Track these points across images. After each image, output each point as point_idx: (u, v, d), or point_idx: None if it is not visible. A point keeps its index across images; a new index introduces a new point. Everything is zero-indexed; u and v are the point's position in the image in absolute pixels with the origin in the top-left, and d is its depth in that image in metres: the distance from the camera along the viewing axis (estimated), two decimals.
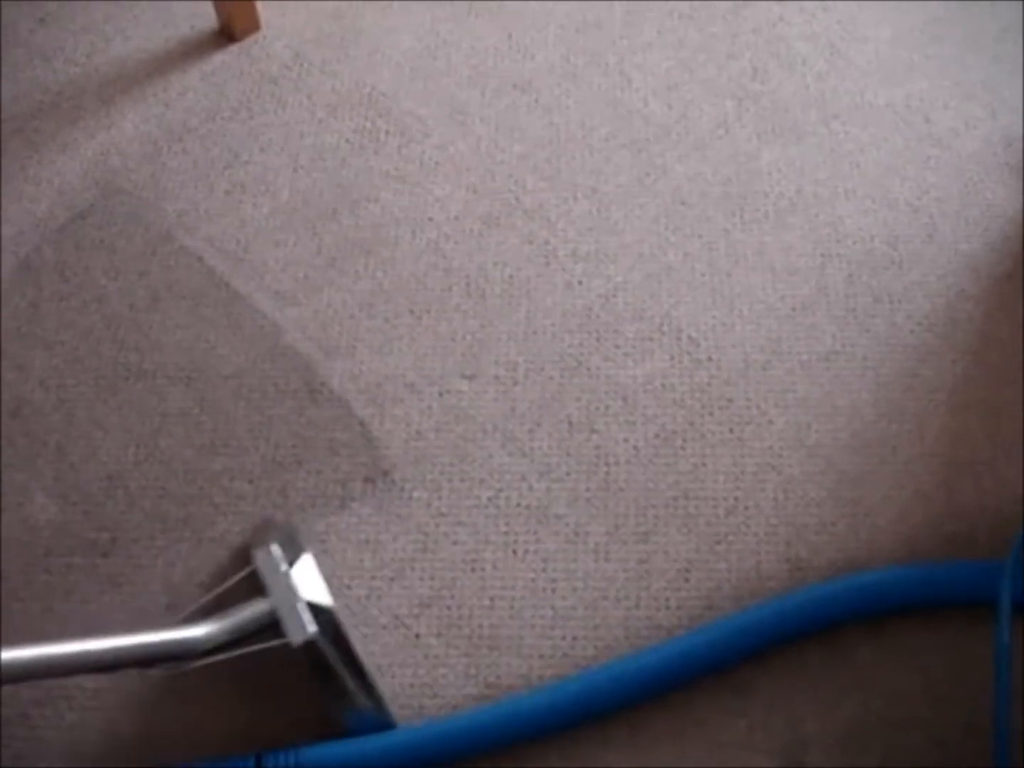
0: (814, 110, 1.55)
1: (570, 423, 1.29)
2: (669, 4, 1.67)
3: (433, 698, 1.14)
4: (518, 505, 1.24)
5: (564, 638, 1.17)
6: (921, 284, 1.39)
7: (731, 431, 1.29)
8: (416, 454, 1.28)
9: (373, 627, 1.19)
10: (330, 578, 1.20)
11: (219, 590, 1.17)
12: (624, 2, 1.68)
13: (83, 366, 1.38)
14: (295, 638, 1.08)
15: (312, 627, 1.08)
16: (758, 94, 1.57)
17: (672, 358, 1.33)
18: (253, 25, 1.67)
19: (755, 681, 1.14)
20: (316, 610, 1.10)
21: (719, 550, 1.21)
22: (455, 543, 1.23)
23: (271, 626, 1.09)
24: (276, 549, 1.15)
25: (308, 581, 1.14)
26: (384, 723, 1.12)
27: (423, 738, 1.10)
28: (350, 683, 1.10)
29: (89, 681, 1.17)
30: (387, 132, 1.55)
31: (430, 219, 1.46)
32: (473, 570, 1.21)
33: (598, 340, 1.35)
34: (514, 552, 1.22)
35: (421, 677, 1.15)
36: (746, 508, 1.24)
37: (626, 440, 1.28)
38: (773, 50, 1.62)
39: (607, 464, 1.27)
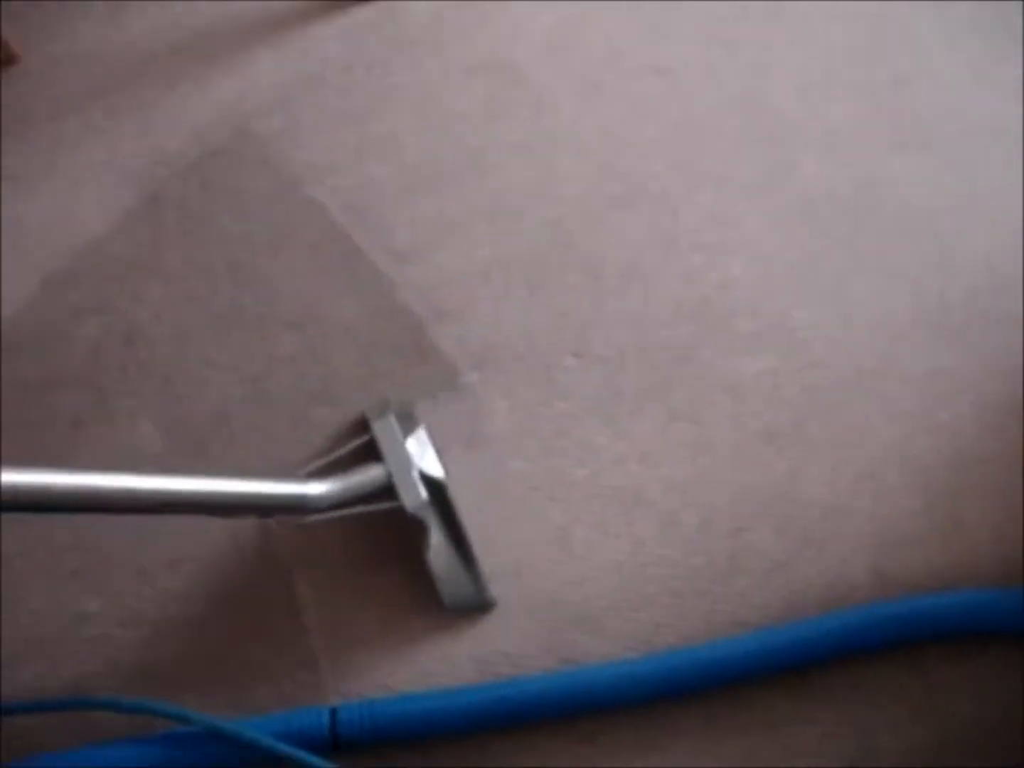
0: (951, 124, 1.52)
1: (673, 411, 1.29)
2: (816, 2, 1.65)
3: (511, 667, 1.15)
4: (613, 487, 1.24)
5: (646, 623, 1.17)
6: None
7: (834, 436, 1.28)
8: (517, 425, 1.29)
9: None
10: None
11: (336, 454, 1.23)
12: None
13: (199, 303, 1.41)
14: (408, 503, 1.15)
15: (425, 493, 1.16)
16: (896, 102, 1.54)
17: (783, 358, 1.32)
18: None
19: (833, 689, 1.14)
20: (428, 480, 1.17)
21: (808, 554, 1.21)
22: (546, 518, 1.23)
23: (385, 491, 1.17)
24: (393, 420, 1.23)
25: (422, 452, 1.21)
26: (482, 603, 1.17)
27: (495, 699, 1.11)
28: (452, 556, 1.17)
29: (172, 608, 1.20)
30: (520, 103, 1.55)
31: (554, 194, 1.46)
32: (562, 547, 1.21)
33: (710, 332, 1.34)
34: (605, 533, 1.22)
35: (501, 645, 1.16)
36: (840, 515, 1.23)
37: (728, 434, 1.27)
38: (916, 61, 1.59)
39: (706, 456, 1.26)
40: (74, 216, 1.53)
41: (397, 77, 1.59)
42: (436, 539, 1.17)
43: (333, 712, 1.09)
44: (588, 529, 1.22)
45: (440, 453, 1.23)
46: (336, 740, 1.08)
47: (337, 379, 1.33)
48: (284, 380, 1.33)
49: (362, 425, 1.27)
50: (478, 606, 1.18)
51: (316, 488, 1.13)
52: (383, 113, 1.56)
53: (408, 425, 1.24)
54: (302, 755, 1.05)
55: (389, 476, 1.17)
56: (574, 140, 1.52)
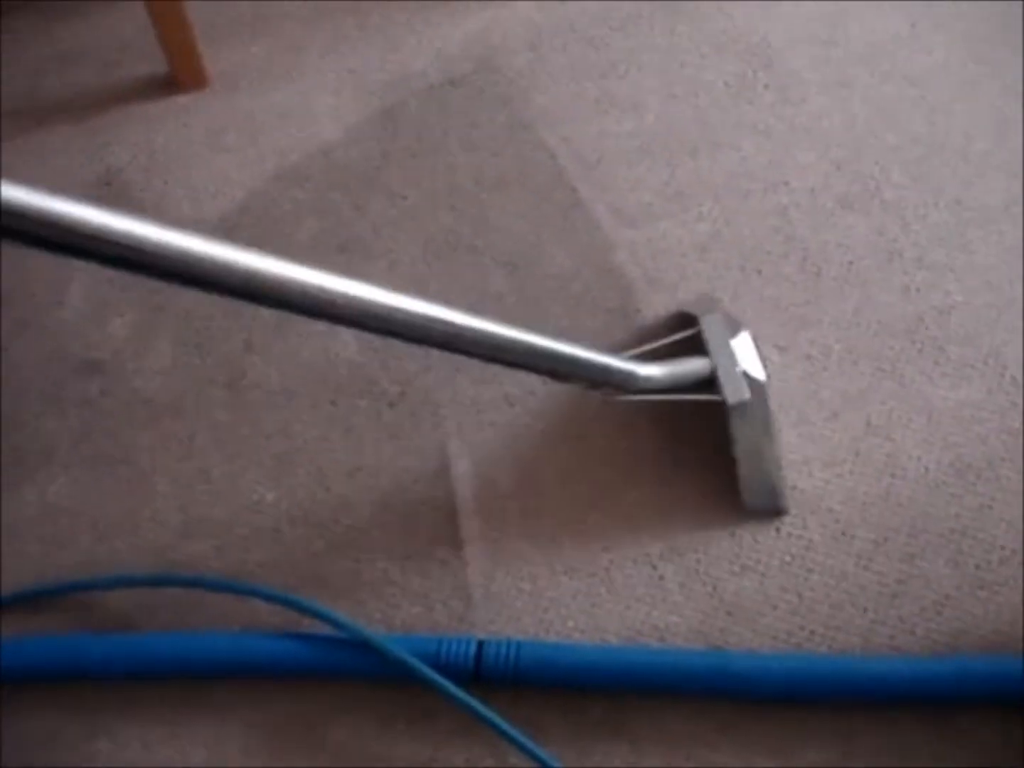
0: None
1: (868, 424, 1.27)
2: None
3: (659, 642, 1.15)
4: (793, 487, 1.23)
5: (802, 628, 1.15)
6: None
7: None
8: None
9: (633, 555, 1.20)
10: None
11: (662, 342, 1.26)
12: None
13: (417, 224, 1.43)
14: (731, 398, 1.17)
15: (747, 393, 1.18)
16: None
17: (989, 392, 1.29)
18: None
19: (974, 733, 1.10)
20: (749, 381, 1.19)
21: (981, 595, 1.18)
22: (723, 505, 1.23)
23: (706, 384, 1.20)
24: (721, 318, 1.25)
25: (746, 353, 1.23)
26: (778, 507, 1.21)
27: (644, 663, 1.11)
28: (760, 458, 1.20)
29: None
30: (766, 85, 1.54)
31: (786, 183, 1.45)
32: (732, 535, 1.20)
33: (920, 352, 1.32)
34: (777, 531, 1.21)
35: (653, 618, 1.16)
36: (1021, 563, 1.19)
37: (920, 458, 1.25)
38: None
39: (893, 476, 1.24)
40: (310, 118, 1.56)
41: (649, 39, 1.59)
42: (749, 437, 1.19)
43: (480, 645, 1.10)
44: (760, 525, 1.21)
45: (763, 359, 1.25)
46: (478, 673, 1.09)
47: (541, 326, 1.33)
48: (489, 316, 1.34)
49: (678, 321, 1.30)
50: (774, 509, 1.21)
51: (646, 370, 1.15)
52: (628, 71, 1.56)
53: (733, 326, 1.25)
54: (442, 682, 1.06)
55: (714, 369, 1.19)
56: (814, 132, 1.49)
